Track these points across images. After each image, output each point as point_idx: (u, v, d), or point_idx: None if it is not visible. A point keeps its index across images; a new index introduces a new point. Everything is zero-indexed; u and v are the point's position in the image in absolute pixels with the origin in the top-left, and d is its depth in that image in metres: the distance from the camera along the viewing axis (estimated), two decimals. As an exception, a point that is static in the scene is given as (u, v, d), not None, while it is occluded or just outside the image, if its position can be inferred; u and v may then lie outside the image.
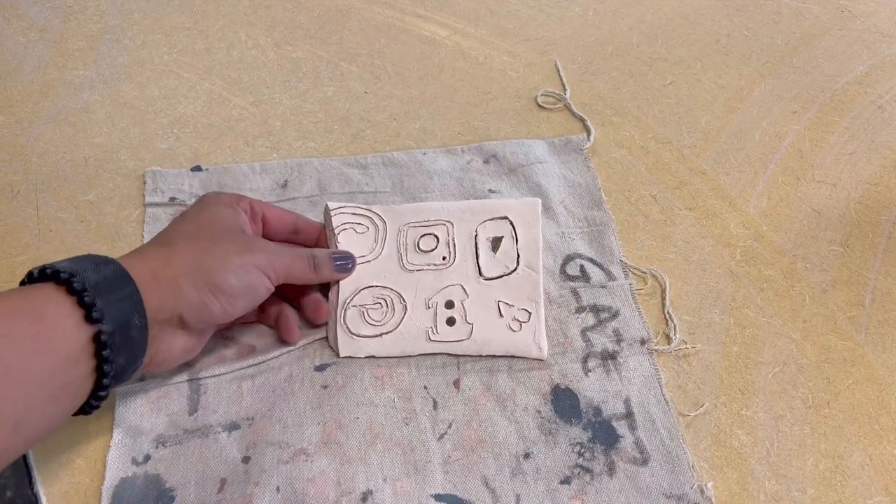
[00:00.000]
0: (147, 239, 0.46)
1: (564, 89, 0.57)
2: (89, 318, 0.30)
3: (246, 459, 0.37)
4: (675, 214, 0.49)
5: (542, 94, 0.57)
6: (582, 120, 0.55)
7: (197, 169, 0.50)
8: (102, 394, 0.32)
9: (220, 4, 0.63)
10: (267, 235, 0.42)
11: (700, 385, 0.40)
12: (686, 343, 0.42)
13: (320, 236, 0.44)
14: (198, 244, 0.36)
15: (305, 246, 0.44)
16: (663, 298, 0.44)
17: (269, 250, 0.38)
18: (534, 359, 0.41)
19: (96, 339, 0.31)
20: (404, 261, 0.43)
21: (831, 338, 0.43)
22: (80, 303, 0.31)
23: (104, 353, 0.31)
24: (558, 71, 0.59)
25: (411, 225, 0.44)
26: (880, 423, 0.39)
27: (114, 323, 0.31)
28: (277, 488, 0.36)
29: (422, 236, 0.43)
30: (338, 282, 0.42)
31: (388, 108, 0.55)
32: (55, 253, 0.45)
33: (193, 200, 0.48)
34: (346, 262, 0.42)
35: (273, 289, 0.39)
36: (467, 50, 0.60)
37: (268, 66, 0.58)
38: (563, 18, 0.64)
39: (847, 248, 0.48)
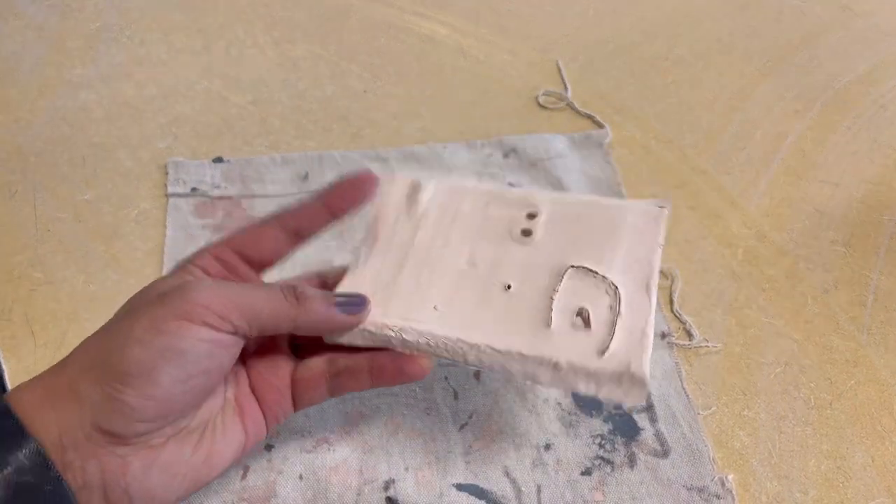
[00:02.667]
0: (170, 231, 0.46)
1: (566, 88, 0.57)
2: None
3: (269, 447, 0.37)
4: (677, 214, 0.49)
5: (543, 94, 0.56)
6: (590, 117, 0.55)
7: (219, 160, 0.50)
8: None
9: (218, 3, 0.63)
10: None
11: (702, 386, 0.40)
12: (707, 341, 0.42)
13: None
14: (103, 329, 0.27)
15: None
16: (671, 297, 0.44)
17: (202, 288, 0.27)
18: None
19: None
20: None
21: (833, 338, 0.43)
22: None
23: None
24: (559, 70, 0.59)
25: None
26: (882, 424, 0.39)
27: None
28: (300, 476, 0.36)
29: None
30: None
31: (387, 107, 0.55)
32: (53, 252, 0.45)
33: (215, 191, 0.48)
34: (354, 303, 0.30)
35: (232, 343, 0.27)
36: (468, 49, 0.60)
37: (266, 64, 0.58)
38: (563, 17, 0.64)
39: (849, 248, 0.47)
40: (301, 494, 0.35)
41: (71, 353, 0.27)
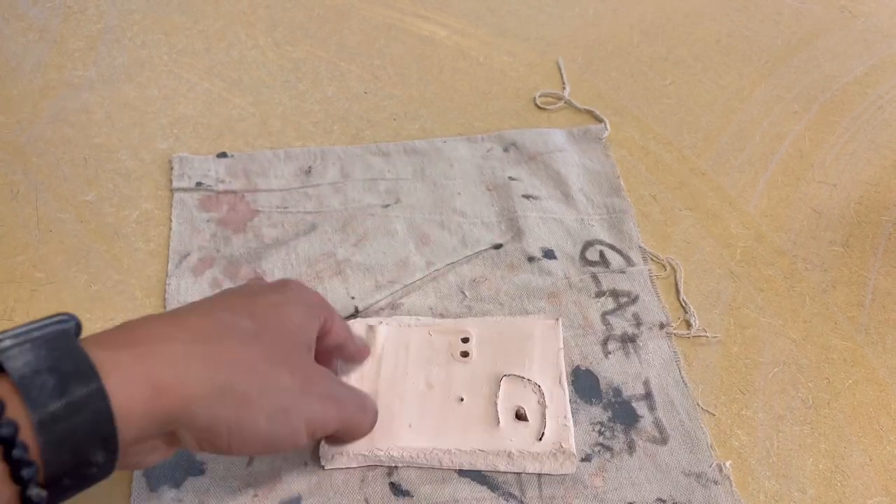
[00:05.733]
0: (175, 224, 0.46)
1: (564, 88, 0.57)
2: (16, 478, 0.21)
3: None
4: (676, 215, 0.49)
5: (540, 95, 0.57)
6: (589, 112, 0.55)
7: (223, 155, 0.50)
8: None
9: (219, 4, 0.63)
10: (317, 347, 0.35)
11: (700, 385, 0.40)
12: (706, 331, 0.42)
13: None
14: (249, 354, 0.29)
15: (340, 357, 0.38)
16: (677, 285, 0.44)
17: (328, 395, 0.32)
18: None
19: (23, 499, 0.22)
20: None
21: (831, 338, 0.43)
22: (5, 456, 0.21)
23: None
24: (560, 70, 0.59)
25: None
26: (880, 423, 0.39)
27: (56, 468, 0.22)
28: (305, 463, 0.36)
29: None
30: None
31: (387, 108, 0.55)
32: (54, 253, 0.45)
33: (220, 186, 0.48)
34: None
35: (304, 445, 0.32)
36: (467, 50, 0.60)
37: (267, 66, 0.58)
38: (563, 18, 0.64)
39: (847, 249, 0.48)
40: (306, 480, 0.36)
41: (220, 356, 0.28)
